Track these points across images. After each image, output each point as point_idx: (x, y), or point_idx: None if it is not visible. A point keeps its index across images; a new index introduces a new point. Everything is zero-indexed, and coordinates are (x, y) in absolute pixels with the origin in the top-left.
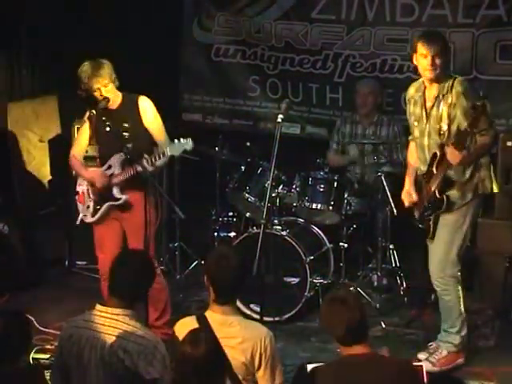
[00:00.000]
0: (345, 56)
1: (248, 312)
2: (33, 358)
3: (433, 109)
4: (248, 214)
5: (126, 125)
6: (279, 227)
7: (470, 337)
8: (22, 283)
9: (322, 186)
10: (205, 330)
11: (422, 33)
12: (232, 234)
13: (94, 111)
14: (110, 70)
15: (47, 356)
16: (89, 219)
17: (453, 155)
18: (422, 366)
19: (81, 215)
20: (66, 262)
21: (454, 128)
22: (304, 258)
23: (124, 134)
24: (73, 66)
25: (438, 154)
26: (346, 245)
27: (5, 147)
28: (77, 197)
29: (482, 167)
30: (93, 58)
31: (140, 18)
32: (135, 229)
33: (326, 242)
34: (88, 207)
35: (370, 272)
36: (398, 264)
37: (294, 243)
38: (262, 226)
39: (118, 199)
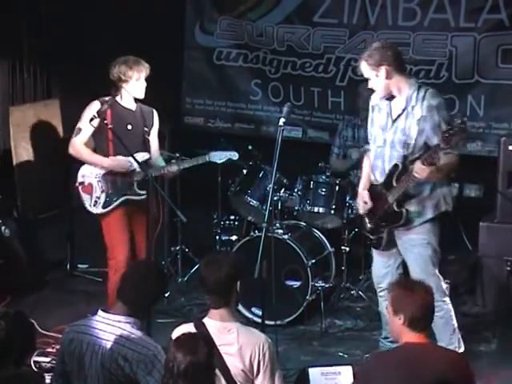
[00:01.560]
0: (347, 60)
1: (249, 315)
2: (34, 361)
3: (399, 120)
4: (250, 218)
5: (146, 129)
6: (281, 231)
7: (471, 341)
8: (24, 286)
9: (324, 189)
10: (197, 335)
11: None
12: (234, 238)
13: (107, 105)
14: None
15: (48, 359)
16: (98, 210)
17: (421, 170)
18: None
19: (87, 206)
20: (68, 265)
21: (420, 142)
22: (306, 261)
23: (145, 136)
24: (74, 70)
25: (400, 166)
26: (347, 248)
27: (6, 150)
28: (80, 187)
29: (443, 184)
30: (94, 61)
31: (142, 22)
32: (145, 227)
33: (328, 245)
34: (98, 198)
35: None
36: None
37: (295, 247)
38: (264, 230)
39: (141, 194)
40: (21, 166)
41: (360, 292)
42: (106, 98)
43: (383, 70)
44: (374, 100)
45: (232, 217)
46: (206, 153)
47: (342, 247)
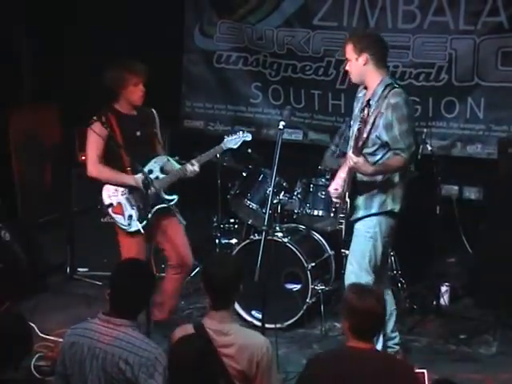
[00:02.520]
0: None
1: (249, 319)
2: (34, 366)
3: (363, 112)
4: (249, 221)
5: (155, 130)
6: (281, 234)
7: (471, 343)
8: (24, 290)
9: (324, 192)
10: (197, 336)
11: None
12: (233, 241)
13: (105, 116)
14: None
15: (48, 363)
16: (135, 227)
17: (351, 159)
18: (423, 372)
19: (122, 226)
20: (68, 269)
21: (373, 136)
22: (305, 264)
23: (154, 138)
24: (74, 73)
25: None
26: (347, 251)
27: (6, 154)
28: (110, 209)
29: (395, 184)
30: (93, 64)
31: (141, 25)
32: (181, 228)
33: (328, 248)
34: (131, 216)
35: None
36: (398, 270)
37: (295, 250)
38: (264, 233)
39: (171, 200)
40: (21, 169)
41: None
42: (98, 114)
43: (364, 56)
44: (358, 91)
45: (232, 220)
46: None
47: (342, 250)
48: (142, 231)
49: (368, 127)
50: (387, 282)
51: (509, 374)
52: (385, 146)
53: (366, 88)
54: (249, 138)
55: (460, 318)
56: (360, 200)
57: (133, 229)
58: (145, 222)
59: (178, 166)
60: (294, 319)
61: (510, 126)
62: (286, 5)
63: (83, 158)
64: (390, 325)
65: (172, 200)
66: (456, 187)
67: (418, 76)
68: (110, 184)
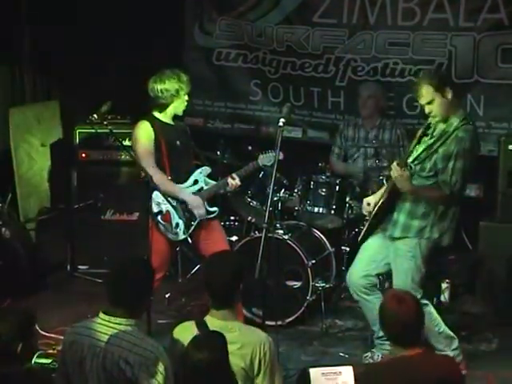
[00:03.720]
0: (346, 60)
1: (250, 316)
2: (35, 363)
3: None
4: (250, 218)
5: (192, 143)
6: (281, 231)
7: (471, 340)
8: (24, 288)
9: (324, 189)
10: (213, 335)
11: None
12: (234, 238)
13: (151, 123)
14: None
15: (49, 361)
16: (180, 237)
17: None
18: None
19: (167, 234)
20: (68, 267)
21: (431, 163)
22: (306, 261)
23: (191, 149)
24: (74, 71)
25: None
26: (347, 249)
27: (6, 152)
28: (159, 216)
29: (438, 215)
30: (93, 62)
31: (141, 23)
32: (223, 233)
33: (328, 245)
34: (178, 225)
35: None
36: None
37: (295, 247)
38: (264, 230)
39: (212, 212)
40: (21, 167)
41: None
42: (147, 118)
43: (448, 90)
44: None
45: (232, 217)
46: (255, 157)
47: (343, 247)
48: (190, 241)
49: (429, 152)
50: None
51: (509, 370)
52: (437, 175)
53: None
54: (281, 157)
55: (460, 315)
56: (401, 218)
57: (180, 238)
58: (188, 233)
59: (209, 181)
60: (295, 316)
61: (510, 123)
62: (286, 2)
63: (84, 155)
64: None
65: (214, 212)
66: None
67: (418, 73)
68: (160, 190)
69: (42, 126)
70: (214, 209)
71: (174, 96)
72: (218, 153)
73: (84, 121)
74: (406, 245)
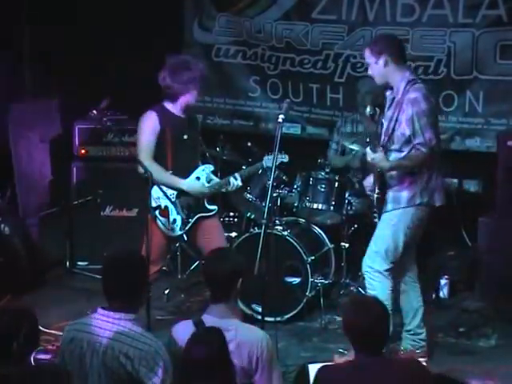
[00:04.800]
0: (345, 56)
1: (249, 312)
2: (34, 359)
3: (389, 110)
4: (249, 214)
5: (200, 137)
6: (280, 227)
7: (470, 336)
8: (23, 284)
9: (323, 186)
10: (211, 331)
11: None
12: (233, 234)
13: (159, 113)
14: None
15: (49, 356)
16: (176, 233)
17: (369, 156)
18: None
19: (163, 229)
20: (67, 263)
21: (397, 133)
22: (305, 258)
23: (198, 144)
24: (74, 71)
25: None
26: (347, 245)
27: (5, 148)
28: (157, 211)
29: (424, 179)
30: (93, 60)
31: (140, 19)
32: (219, 232)
33: (327, 242)
34: (175, 220)
35: None
36: None
37: (295, 243)
38: (263, 227)
39: (212, 210)
40: (20, 164)
41: (359, 288)
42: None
43: (383, 58)
44: (386, 91)
45: (231, 213)
46: (259, 159)
47: (342, 243)
48: (186, 238)
49: (391, 124)
50: (413, 276)
51: (508, 366)
52: (409, 141)
53: (391, 88)
54: (285, 159)
55: (459, 311)
56: (390, 194)
57: (176, 234)
58: (185, 230)
59: (214, 179)
60: (294, 312)
61: (508, 120)
62: None
63: (83, 151)
64: (416, 321)
65: (213, 210)
66: (455, 180)
67: (417, 69)
68: (157, 183)
69: (41, 121)
70: (214, 207)
71: (189, 89)
72: (218, 149)
73: (83, 116)
74: (391, 213)
